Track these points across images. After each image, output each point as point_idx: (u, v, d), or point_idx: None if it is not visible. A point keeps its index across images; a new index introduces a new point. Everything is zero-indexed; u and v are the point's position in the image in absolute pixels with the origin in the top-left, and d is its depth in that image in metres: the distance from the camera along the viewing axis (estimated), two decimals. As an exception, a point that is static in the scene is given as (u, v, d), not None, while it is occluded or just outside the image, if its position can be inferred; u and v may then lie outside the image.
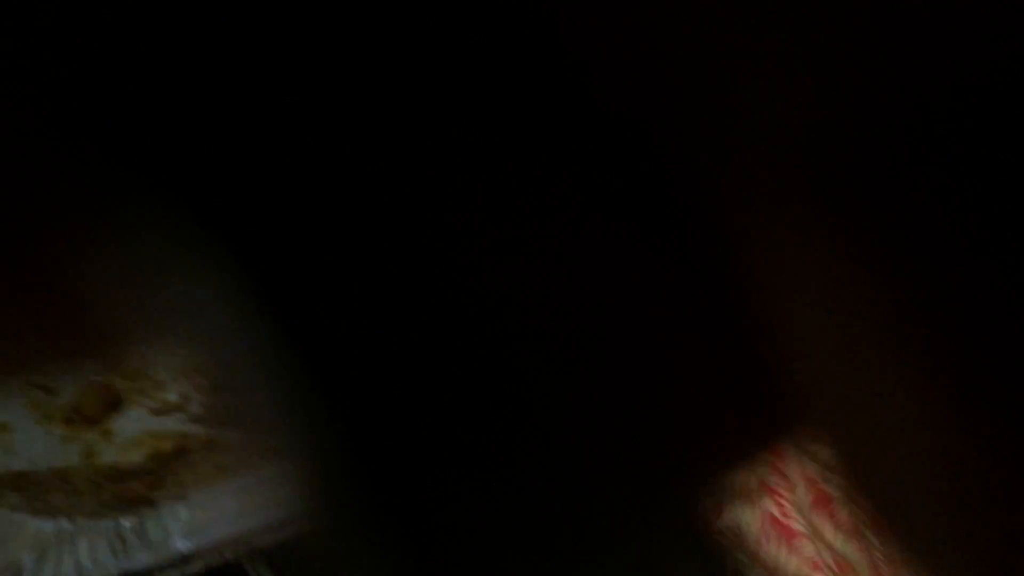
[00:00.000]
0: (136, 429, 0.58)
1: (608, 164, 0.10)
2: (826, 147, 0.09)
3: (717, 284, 0.10)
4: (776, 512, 0.55)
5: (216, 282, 0.10)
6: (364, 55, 0.09)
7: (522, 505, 0.10)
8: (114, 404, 0.59)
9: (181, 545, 0.53)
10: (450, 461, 0.10)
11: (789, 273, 0.09)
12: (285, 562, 0.50)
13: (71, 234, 0.10)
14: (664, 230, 0.10)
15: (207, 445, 0.56)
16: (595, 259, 0.10)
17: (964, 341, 0.09)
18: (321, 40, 0.09)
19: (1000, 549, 0.10)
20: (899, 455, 0.10)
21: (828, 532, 0.53)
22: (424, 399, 0.10)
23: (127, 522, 0.54)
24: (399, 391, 0.10)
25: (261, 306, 0.10)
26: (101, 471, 0.56)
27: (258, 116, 0.09)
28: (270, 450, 0.11)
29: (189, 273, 0.10)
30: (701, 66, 0.09)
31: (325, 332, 0.10)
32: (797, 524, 0.54)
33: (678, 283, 0.10)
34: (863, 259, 0.09)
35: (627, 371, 0.10)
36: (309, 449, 0.10)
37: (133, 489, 0.55)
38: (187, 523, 0.53)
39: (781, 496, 0.55)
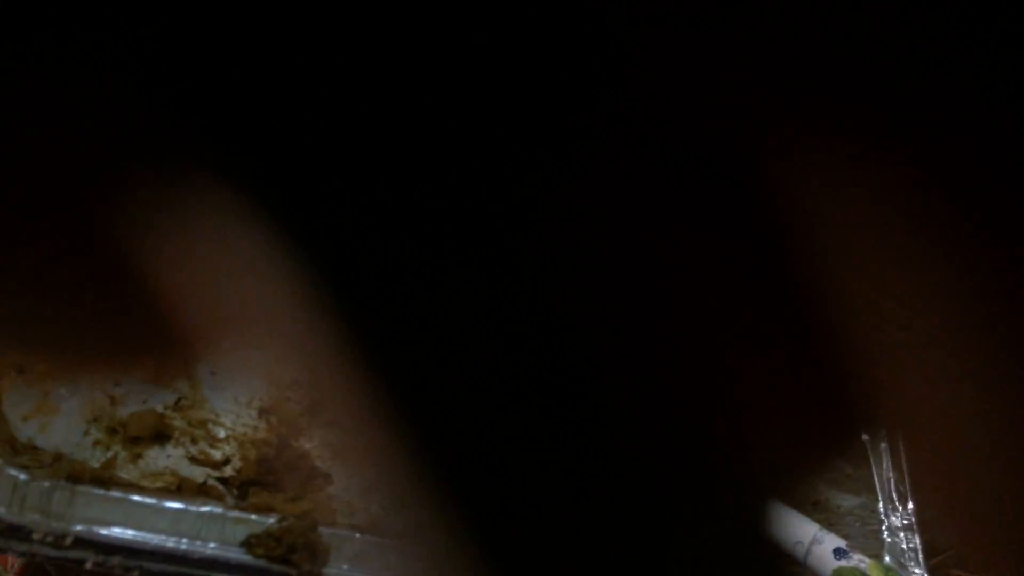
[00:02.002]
0: (164, 464, 0.56)
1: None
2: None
3: (792, 285, 0.10)
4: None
5: (307, 292, 0.09)
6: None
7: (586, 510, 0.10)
8: (160, 436, 0.57)
9: None
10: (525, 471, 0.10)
11: (875, 278, 0.09)
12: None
13: (158, 231, 0.09)
14: (749, 244, 0.10)
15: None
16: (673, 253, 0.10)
17: None
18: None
19: None
20: (983, 467, 0.09)
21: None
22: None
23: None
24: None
25: (351, 320, 0.09)
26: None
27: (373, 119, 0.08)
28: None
29: (281, 278, 0.09)
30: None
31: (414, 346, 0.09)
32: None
33: (759, 289, 0.10)
34: (956, 259, 0.09)
35: (703, 375, 0.10)
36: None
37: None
38: None
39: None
